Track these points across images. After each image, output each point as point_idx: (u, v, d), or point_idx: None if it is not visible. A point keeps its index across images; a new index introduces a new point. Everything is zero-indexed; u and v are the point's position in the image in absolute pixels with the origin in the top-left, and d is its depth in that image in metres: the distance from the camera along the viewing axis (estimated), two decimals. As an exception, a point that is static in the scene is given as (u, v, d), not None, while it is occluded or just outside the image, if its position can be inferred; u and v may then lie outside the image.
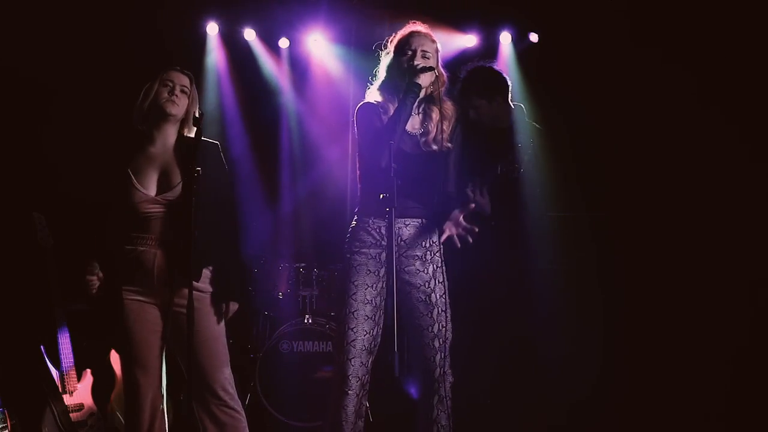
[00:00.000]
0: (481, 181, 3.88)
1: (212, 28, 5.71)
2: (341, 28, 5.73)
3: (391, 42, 3.40)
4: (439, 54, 3.38)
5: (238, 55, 5.81)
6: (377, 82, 3.43)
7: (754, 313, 4.34)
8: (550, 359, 4.46)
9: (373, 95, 3.42)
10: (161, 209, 3.19)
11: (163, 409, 3.27)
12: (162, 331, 3.22)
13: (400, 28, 3.43)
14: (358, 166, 3.46)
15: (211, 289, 3.28)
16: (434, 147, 3.33)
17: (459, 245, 3.32)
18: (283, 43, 5.90)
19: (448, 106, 3.40)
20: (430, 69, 3.24)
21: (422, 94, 3.30)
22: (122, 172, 3.21)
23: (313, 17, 5.64)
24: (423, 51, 3.30)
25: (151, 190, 3.21)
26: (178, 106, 3.25)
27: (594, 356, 4.59)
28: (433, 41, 3.36)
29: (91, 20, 4.94)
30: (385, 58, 3.41)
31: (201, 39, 5.70)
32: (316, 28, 5.73)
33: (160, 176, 3.23)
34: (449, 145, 3.36)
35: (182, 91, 3.27)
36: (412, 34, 3.34)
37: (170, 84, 3.25)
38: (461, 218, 3.32)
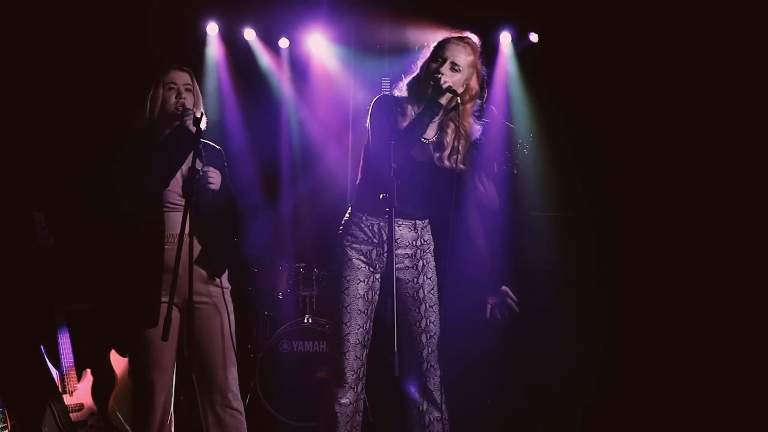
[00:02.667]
0: (487, 174, 3.89)
1: (212, 28, 5.70)
2: (341, 28, 5.73)
3: (434, 40, 3.31)
4: (477, 67, 3.27)
5: (238, 55, 5.81)
6: (410, 75, 3.34)
7: (755, 313, 4.34)
8: (549, 359, 4.46)
9: (401, 87, 3.34)
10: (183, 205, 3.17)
11: (172, 410, 3.28)
12: (179, 332, 3.21)
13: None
14: (362, 158, 3.41)
15: (229, 286, 3.31)
16: (447, 164, 3.29)
17: (498, 315, 3.41)
18: (283, 43, 5.89)
19: (468, 123, 3.30)
20: (453, 93, 3.15)
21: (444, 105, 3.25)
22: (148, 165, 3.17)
23: (313, 17, 5.63)
24: (453, 63, 3.21)
25: (176, 186, 3.19)
26: (189, 105, 3.22)
27: (594, 356, 4.59)
28: (470, 54, 3.25)
29: (91, 20, 4.95)
30: (424, 55, 3.32)
31: (201, 39, 5.69)
32: (316, 28, 5.73)
33: (180, 174, 3.22)
34: (462, 167, 3.31)
35: (187, 90, 3.24)
36: (450, 40, 3.25)
37: (174, 86, 3.22)
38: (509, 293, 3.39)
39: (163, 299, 3.14)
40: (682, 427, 4.28)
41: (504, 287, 3.41)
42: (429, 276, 3.38)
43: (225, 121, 5.74)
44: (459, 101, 3.20)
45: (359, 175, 3.42)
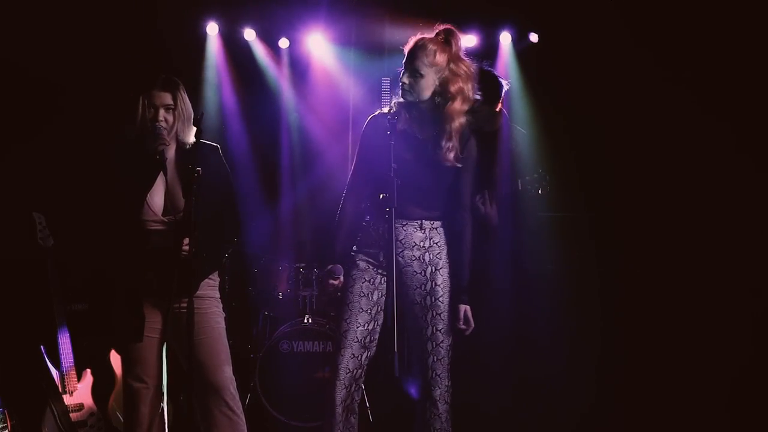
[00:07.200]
0: (492, 194, 3.90)
1: (212, 28, 5.70)
2: (341, 28, 5.73)
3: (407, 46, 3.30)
4: (453, 65, 3.20)
5: (238, 55, 5.81)
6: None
7: (755, 314, 4.34)
8: (548, 360, 4.46)
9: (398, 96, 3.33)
10: (165, 228, 3.20)
11: (162, 408, 3.28)
12: (162, 330, 3.22)
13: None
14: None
15: (211, 294, 3.30)
16: (447, 163, 3.23)
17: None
18: (283, 43, 5.90)
19: (458, 123, 3.22)
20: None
21: (429, 102, 3.23)
22: (137, 186, 3.20)
23: (313, 17, 5.64)
24: (412, 70, 3.19)
25: (158, 209, 3.20)
26: (166, 130, 3.18)
27: (593, 356, 4.60)
28: (438, 54, 3.18)
29: (91, 20, 4.95)
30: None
31: (201, 39, 5.69)
32: (316, 28, 5.73)
33: (166, 195, 3.22)
34: (459, 165, 3.24)
35: (167, 110, 3.19)
36: (416, 44, 3.24)
37: (153, 108, 3.17)
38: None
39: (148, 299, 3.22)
40: (681, 427, 4.28)
41: (463, 307, 3.28)
42: (438, 282, 3.28)
43: (225, 121, 5.74)
44: (439, 101, 3.20)
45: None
